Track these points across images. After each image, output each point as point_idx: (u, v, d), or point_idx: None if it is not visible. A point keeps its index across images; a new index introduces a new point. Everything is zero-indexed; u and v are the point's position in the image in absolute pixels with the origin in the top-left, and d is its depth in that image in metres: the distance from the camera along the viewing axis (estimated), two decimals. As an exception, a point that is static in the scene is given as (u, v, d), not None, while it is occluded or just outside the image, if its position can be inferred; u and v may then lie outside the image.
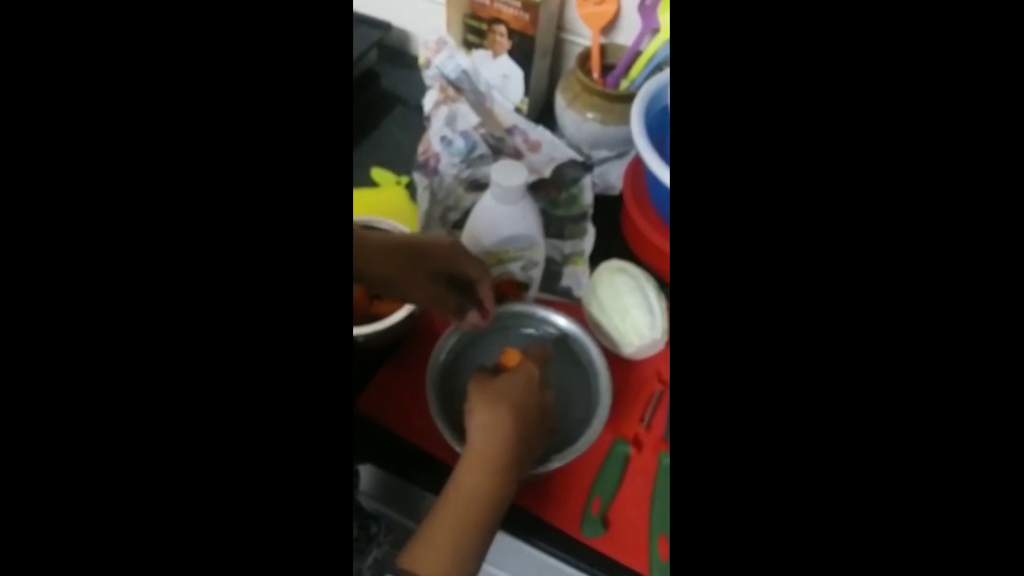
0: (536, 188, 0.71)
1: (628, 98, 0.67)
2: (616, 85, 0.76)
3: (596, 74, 0.77)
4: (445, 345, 0.56)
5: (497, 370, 0.51)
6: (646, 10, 0.74)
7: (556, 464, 0.50)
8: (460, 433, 0.51)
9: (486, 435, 0.45)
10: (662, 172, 0.59)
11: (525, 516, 0.54)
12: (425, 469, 0.56)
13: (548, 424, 0.48)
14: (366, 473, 0.70)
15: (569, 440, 0.52)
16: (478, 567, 0.42)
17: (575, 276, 0.68)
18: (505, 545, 0.56)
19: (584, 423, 0.53)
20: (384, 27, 0.91)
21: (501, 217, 0.52)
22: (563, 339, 0.59)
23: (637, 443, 0.58)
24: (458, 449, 0.51)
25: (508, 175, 0.49)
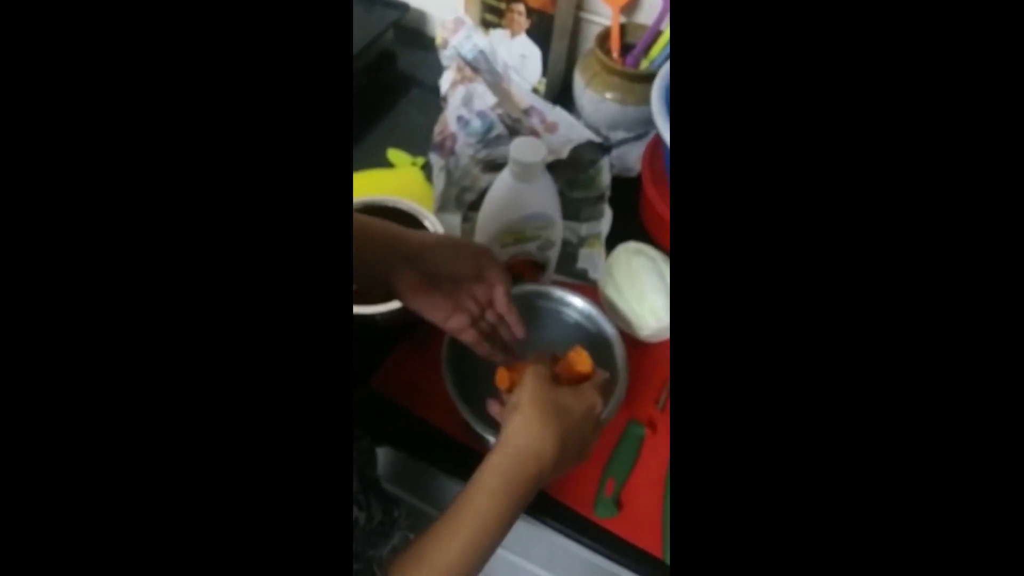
0: (553, 169, 0.69)
1: (648, 78, 0.66)
2: (636, 65, 0.75)
3: (615, 53, 0.76)
4: None
5: (560, 367, 0.48)
6: (667, -11, 0.72)
7: None
8: (478, 410, 0.51)
9: (520, 457, 0.41)
10: (682, 152, 0.58)
11: (538, 496, 0.53)
12: (441, 449, 0.56)
13: (582, 458, 0.45)
14: (382, 456, 0.70)
15: None
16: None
17: (591, 258, 0.68)
18: (517, 525, 0.56)
19: None
20: (401, 8, 0.90)
21: (519, 195, 0.52)
22: (579, 323, 0.59)
23: (652, 425, 0.58)
24: (475, 427, 0.51)
25: (527, 152, 0.49)
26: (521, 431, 0.42)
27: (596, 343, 0.58)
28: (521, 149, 0.49)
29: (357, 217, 0.46)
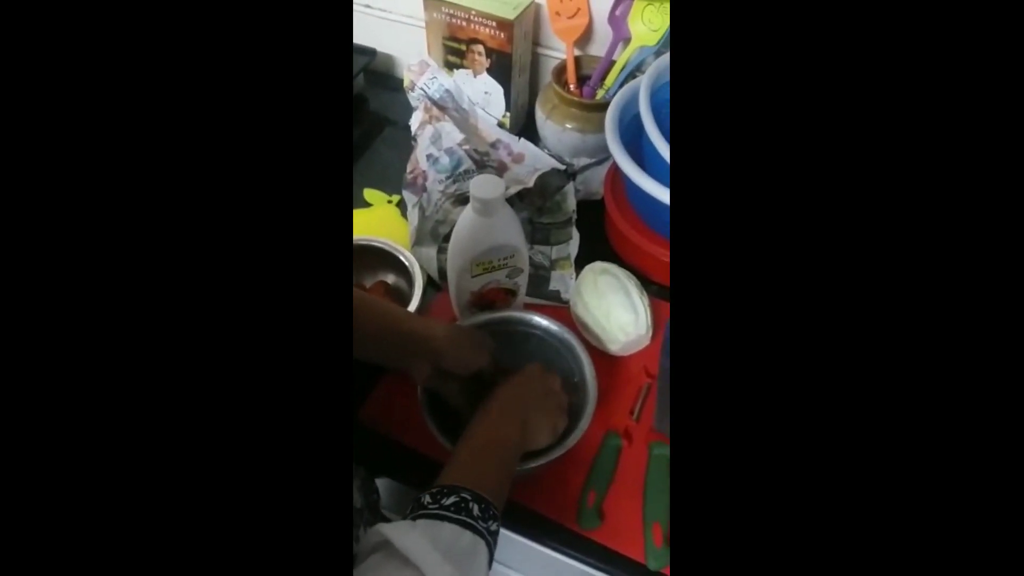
0: (522, 197, 0.74)
1: (604, 106, 0.70)
2: (593, 95, 0.79)
3: (572, 85, 0.80)
4: None
5: None
6: (616, 21, 0.77)
7: (554, 455, 0.53)
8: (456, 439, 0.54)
9: (503, 413, 0.52)
10: (637, 176, 0.62)
11: (523, 512, 0.56)
12: (432, 476, 0.58)
13: (559, 397, 0.55)
14: (383, 487, 0.72)
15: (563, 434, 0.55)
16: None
17: (563, 279, 0.71)
18: (508, 539, 0.58)
19: (574, 419, 0.56)
20: (370, 53, 0.94)
21: (482, 229, 0.55)
22: (548, 341, 0.62)
23: (628, 435, 0.61)
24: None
25: (486, 188, 0.52)
26: (495, 399, 0.52)
27: (567, 361, 0.61)
28: (480, 186, 0.52)
29: (378, 309, 0.54)
